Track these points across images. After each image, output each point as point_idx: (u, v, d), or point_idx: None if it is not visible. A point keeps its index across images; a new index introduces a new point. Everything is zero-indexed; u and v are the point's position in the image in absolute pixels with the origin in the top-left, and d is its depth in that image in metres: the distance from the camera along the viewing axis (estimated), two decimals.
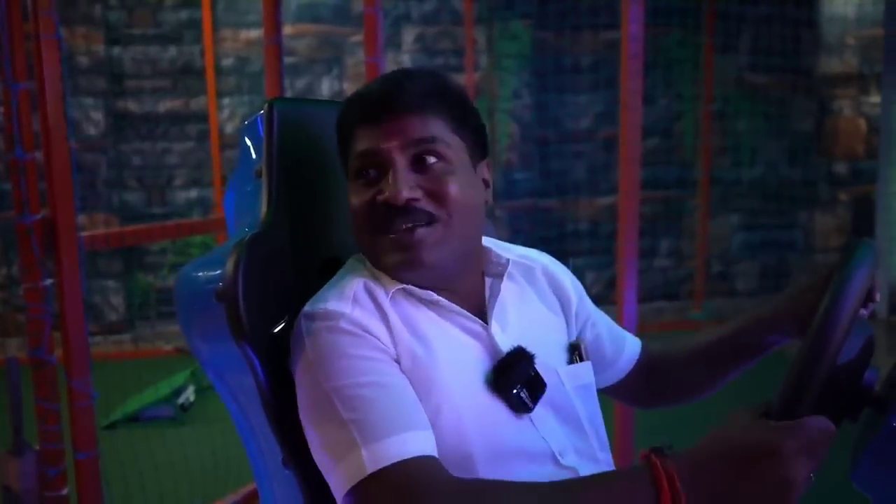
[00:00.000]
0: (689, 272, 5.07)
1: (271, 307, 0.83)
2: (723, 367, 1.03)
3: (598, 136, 4.82)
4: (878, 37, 4.80)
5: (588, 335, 1.02)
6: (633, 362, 1.07)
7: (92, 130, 4.33)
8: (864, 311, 0.84)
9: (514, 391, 0.84)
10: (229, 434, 2.68)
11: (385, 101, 0.85)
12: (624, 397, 1.12)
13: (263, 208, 0.86)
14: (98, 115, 4.34)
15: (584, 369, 0.95)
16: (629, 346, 1.07)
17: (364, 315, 0.81)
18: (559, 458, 0.87)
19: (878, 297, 0.85)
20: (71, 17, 4.17)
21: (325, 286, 0.87)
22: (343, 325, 0.79)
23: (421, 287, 0.86)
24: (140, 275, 4.57)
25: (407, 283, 0.85)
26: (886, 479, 0.70)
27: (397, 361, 0.81)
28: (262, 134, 0.92)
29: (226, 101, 4.55)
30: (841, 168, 5.11)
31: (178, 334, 4.53)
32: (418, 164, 0.85)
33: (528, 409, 0.85)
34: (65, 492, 1.86)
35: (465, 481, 0.73)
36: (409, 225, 0.83)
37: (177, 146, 4.57)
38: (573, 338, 0.99)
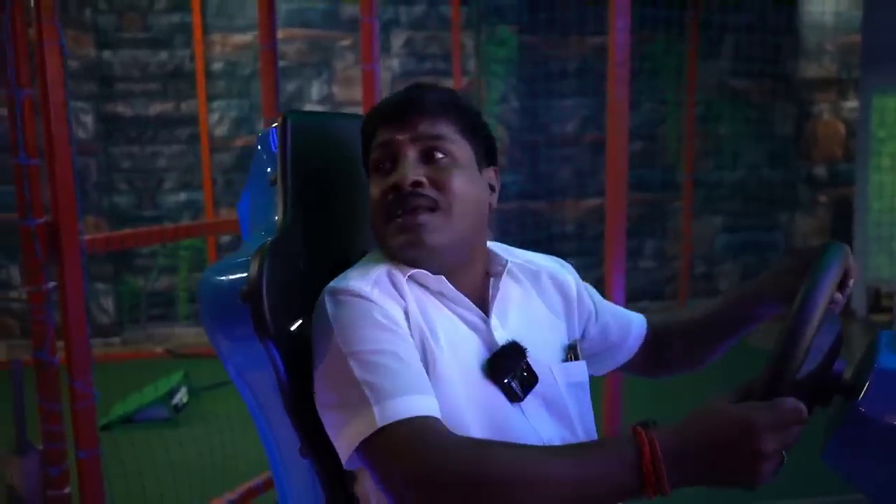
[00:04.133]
0: (674, 273, 5.17)
1: (289, 307, 0.88)
2: (717, 338, 1.11)
3: (584, 140, 4.90)
4: (855, 43, 4.92)
5: (592, 329, 1.10)
6: (641, 340, 1.15)
7: (82, 134, 4.34)
8: (839, 297, 0.92)
9: (506, 381, 0.92)
10: (225, 433, 2.73)
11: (403, 105, 0.95)
12: (632, 370, 1.19)
13: (280, 215, 0.92)
14: (88, 119, 4.35)
15: (578, 368, 1.02)
16: (636, 327, 1.15)
17: (382, 296, 0.88)
18: (547, 440, 0.93)
19: (849, 289, 0.93)
20: (61, 21, 4.18)
21: (349, 270, 0.94)
22: (364, 300, 0.87)
23: (432, 272, 0.93)
24: (130, 278, 4.59)
25: (416, 268, 0.93)
26: (853, 458, 0.77)
27: (408, 334, 0.88)
28: (274, 144, 0.98)
29: (216, 104, 4.58)
30: (820, 171, 5.23)
31: (168, 336, 4.56)
32: (427, 158, 0.94)
33: (519, 399, 0.93)
34: (67, 490, 1.90)
35: (467, 438, 0.80)
36: (414, 206, 0.91)
37: (167, 149, 4.60)
38: (573, 338, 1.06)
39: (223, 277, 0.88)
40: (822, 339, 0.76)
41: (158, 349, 4.38)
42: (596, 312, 1.11)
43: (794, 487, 2.17)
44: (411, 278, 0.92)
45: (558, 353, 1.01)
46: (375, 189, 0.94)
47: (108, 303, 4.50)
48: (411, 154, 0.93)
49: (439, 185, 0.92)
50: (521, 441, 0.90)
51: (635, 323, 1.15)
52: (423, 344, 0.88)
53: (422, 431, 0.78)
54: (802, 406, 0.71)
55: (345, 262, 0.99)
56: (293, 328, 0.89)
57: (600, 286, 1.11)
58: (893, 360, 0.77)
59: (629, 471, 0.72)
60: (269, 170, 0.97)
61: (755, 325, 1.07)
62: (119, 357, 4.25)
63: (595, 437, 1.02)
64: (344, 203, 1.04)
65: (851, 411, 0.75)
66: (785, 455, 0.71)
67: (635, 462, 0.72)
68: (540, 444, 0.92)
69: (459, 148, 0.95)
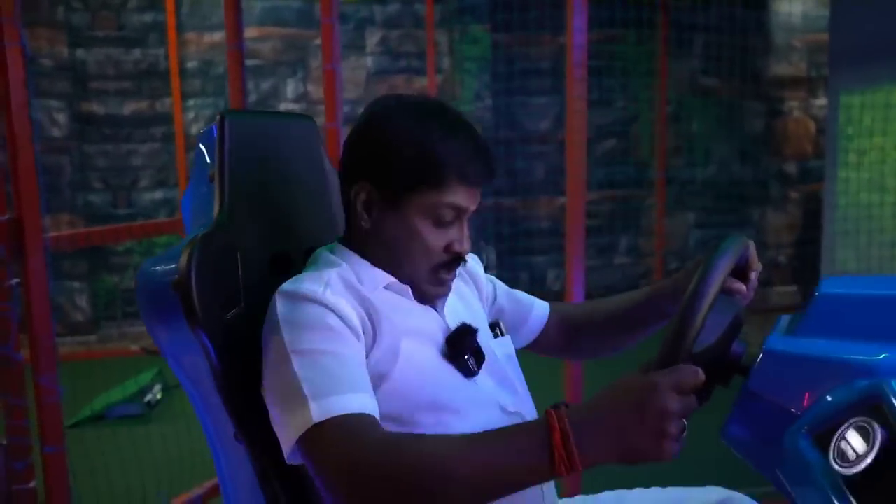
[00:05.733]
0: (648, 268, 5.23)
1: (223, 297, 0.92)
2: (634, 330, 1.22)
3: (557, 138, 4.96)
4: (824, 42, 4.99)
5: (491, 313, 1.20)
6: (542, 324, 1.24)
7: (56, 132, 4.34)
8: (742, 287, 0.98)
9: (465, 357, 1.00)
10: (195, 430, 2.75)
11: (483, 175, 1.02)
12: (545, 352, 1.28)
13: (216, 209, 0.96)
14: (62, 117, 4.35)
15: (507, 342, 1.13)
16: (536, 312, 1.24)
17: (334, 297, 0.93)
18: (505, 407, 1.02)
19: (753, 276, 1.01)
20: (34, 19, 4.18)
21: (300, 275, 0.99)
22: (314, 301, 0.92)
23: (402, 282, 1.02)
24: (105, 276, 4.59)
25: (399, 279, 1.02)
26: (744, 435, 0.82)
27: (357, 335, 0.93)
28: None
29: (190, 102, 4.58)
30: (791, 167, 5.31)
31: (144, 334, 4.56)
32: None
33: (475, 374, 1.01)
34: (32, 485, 1.92)
35: (392, 433, 0.85)
36: (456, 270, 1.04)
37: (142, 147, 4.60)
38: (493, 318, 1.16)
39: (158, 268, 0.92)
40: (719, 318, 0.81)
41: (134, 347, 4.39)
42: (495, 298, 1.21)
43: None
44: (386, 287, 1.01)
45: (488, 332, 1.11)
46: (434, 240, 1.00)
47: (83, 301, 4.50)
48: (466, 223, 1.03)
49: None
50: (483, 408, 0.99)
51: (535, 310, 1.24)
52: (392, 337, 0.95)
53: (353, 428, 0.82)
54: (699, 369, 0.75)
55: (283, 255, 1.04)
56: (228, 316, 0.92)
57: None
58: (780, 341, 0.82)
59: (539, 449, 0.76)
60: (209, 161, 1.01)
61: (667, 320, 1.13)
62: (94, 355, 4.25)
63: (529, 396, 1.11)
64: (281, 199, 1.08)
65: (742, 389, 0.80)
66: (685, 424, 0.74)
67: (545, 439, 0.75)
68: (499, 410, 1.01)
69: None
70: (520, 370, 1.12)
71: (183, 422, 2.93)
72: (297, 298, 0.91)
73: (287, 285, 0.94)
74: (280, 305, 0.91)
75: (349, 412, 0.83)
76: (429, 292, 1.03)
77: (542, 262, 4.98)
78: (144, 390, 3.40)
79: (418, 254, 1.00)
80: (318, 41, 4.68)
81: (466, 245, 1.03)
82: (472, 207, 1.03)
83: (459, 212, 1.01)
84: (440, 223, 1.00)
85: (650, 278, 5.20)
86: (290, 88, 4.70)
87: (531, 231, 4.96)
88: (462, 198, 1.00)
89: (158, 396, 3.47)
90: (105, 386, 3.38)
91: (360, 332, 0.93)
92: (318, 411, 0.82)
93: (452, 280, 1.04)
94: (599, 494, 1.20)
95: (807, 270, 5.17)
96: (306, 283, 0.94)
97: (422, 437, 0.84)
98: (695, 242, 5.34)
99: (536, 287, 4.94)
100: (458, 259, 1.02)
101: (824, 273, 4.83)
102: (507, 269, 4.83)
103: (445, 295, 1.06)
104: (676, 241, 5.29)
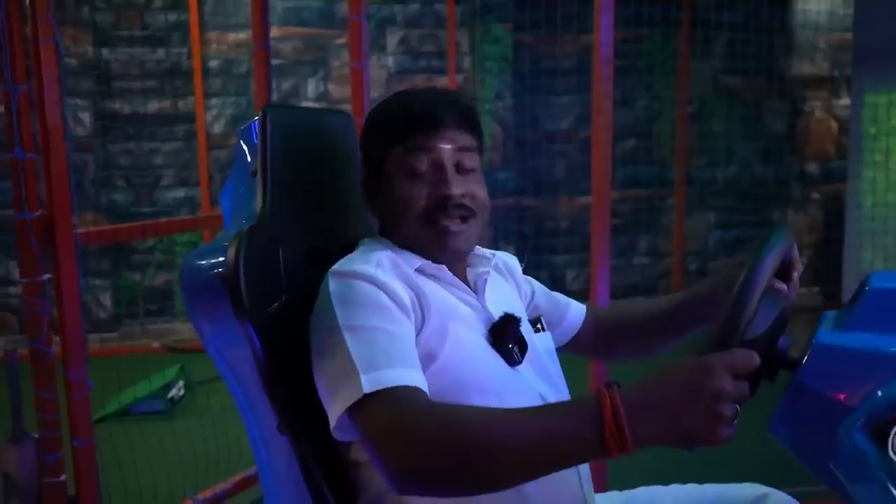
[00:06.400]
0: (667, 269, 5.21)
1: (266, 289, 0.93)
2: (670, 333, 1.20)
3: (577, 137, 4.94)
4: (847, 41, 4.95)
5: (529, 311, 1.20)
6: (578, 326, 1.25)
7: (80, 131, 4.38)
8: (783, 286, 0.97)
9: (510, 346, 1.01)
10: (218, 426, 2.77)
11: (441, 114, 1.02)
12: (580, 352, 1.29)
13: (259, 203, 0.97)
14: (86, 116, 4.39)
15: (547, 338, 1.14)
16: (572, 313, 1.25)
17: (385, 276, 0.95)
18: (546, 398, 1.02)
19: (796, 276, 0.99)
20: (60, 19, 4.22)
21: (350, 256, 1.01)
22: (366, 280, 0.93)
23: (436, 262, 1.02)
24: (128, 273, 4.63)
25: (427, 260, 1.02)
26: (792, 428, 0.81)
27: (407, 314, 0.94)
28: (256, 137, 1.03)
29: (213, 101, 4.62)
30: (813, 168, 5.26)
31: (165, 332, 4.60)
32: (458, 169, 1.03)
33: (518, 362, 1.02)
34: (62, 478, 1.94)
35: (438, 403, 0.85)
36: (457, 216, 1.01)
37: (164, 146, 4.64)
38: (533, 314, 1.17)
39: (203, 261, 0.93)
40: (765, 313, 0.81)
41: (155, 344, 4.43)
42: (533, 296, 1.23)
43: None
44: (419, 269, 1.01)
45: (529, 327, 1.11)
46: (415, 191, 1.01)
47: (106, 298, 4.54)
48: (450, 165, 1.01)
49: (471, 196, 1.02)
50: (525, 398, 0.98)
51: (572, 311, 1.26)
52: (440, 318, 0.96)
53: (403, 397, 0.83)
54: (754, 353, 0.74)
55: (321, 250, 1.04)
56: (270, 309, 0.93)
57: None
58: (829, 335, 0.82)
59: (590, 425, 0.74)
60: (249, 160, 1.02)
61: (707, 323, 1.13)
62: (116, 352, 4.29)
63: (568, 393, 1.10)
64: (321, 193, 1.09)
65: (790, 383, 0.80)
66: (738, 409, 0.73)
67: (597, 416, 0.74)
68: (540, 400, 1.00)
69: (476, 158, 1.05)
70: (559, 366, 1.12)
71: (208, 417, 2.95)
72: (350, 277, 0.93)
73: (339, 266, 0.97)
74: (333, 284, 0.94)
75: (400, 384, 0.84)
76: (441, 245, 1.01)
77: (562, 261, 4.97)
78: (168, 386, 3.43)
79: (404, 211, 1.01)
80: (338, 41, 4.70)
81: (455, 188, 1.00)
82: (448, 147, 1.01)
83: (433, 157, 1.01)
84: (414, 174, 1.00)
85: (669, 279, 5.18)
86: (311, 88, 4.72)
87: (551, 230, 4.95)
88: (429, 140, 1.00)
89: (181, 393, 3.50)
90: (127, 383, 3.41)
91: (410, 311, 0.94)
92: (369, 384, 0.83)
93: (457, 227, 1.01)
94: (635, 490, 1.20)
95: (829, 271, 5.13)
96: (357, 263, 0.96)
97: (472, 407, 0.85)
98: (714, 243, 5.31)
99: (556, 286, 4.92)
100: (447, 201, 1.00)
101: (847, 274, 4.79)
102: (528, 269, 4.81)
103: (463, 247, 1.03)
104: (696, 242, 5.26)
